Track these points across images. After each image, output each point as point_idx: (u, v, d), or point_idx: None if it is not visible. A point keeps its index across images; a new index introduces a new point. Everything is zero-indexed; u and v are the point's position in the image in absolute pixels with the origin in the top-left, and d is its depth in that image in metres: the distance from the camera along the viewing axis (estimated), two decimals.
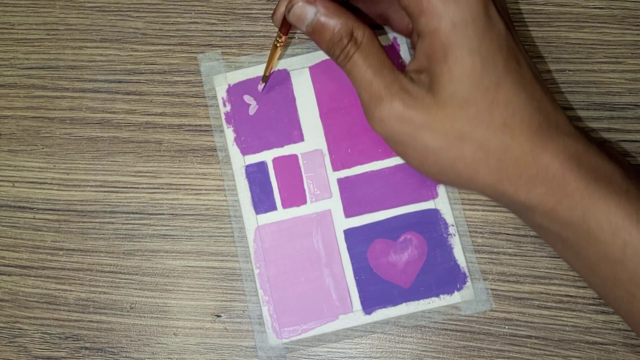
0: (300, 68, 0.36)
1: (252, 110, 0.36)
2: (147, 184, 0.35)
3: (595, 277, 0.29)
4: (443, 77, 0.28)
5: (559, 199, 0.27)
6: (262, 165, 0.35)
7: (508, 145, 0.27)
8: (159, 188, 0.35)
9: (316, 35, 0.29)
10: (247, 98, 0.36)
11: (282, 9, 0.30)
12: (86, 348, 0.34)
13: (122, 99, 0.36)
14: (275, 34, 0.36)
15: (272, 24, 0.36)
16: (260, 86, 0.35)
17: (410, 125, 0.28)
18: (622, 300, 0.28)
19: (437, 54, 0.27)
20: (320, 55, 0.36)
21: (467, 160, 0.28)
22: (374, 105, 0.29)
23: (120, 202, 0.35)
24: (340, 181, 0.35)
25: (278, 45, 0.32)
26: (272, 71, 0.35)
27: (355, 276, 0.34)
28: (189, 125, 0.36)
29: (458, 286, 0.34)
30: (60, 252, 0.35)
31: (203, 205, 0.35)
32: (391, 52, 0.36)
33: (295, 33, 0.36)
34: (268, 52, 0.36)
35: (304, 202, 0.35)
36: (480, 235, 0.34)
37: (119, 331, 0.34)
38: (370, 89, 0.29)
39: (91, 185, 0.35)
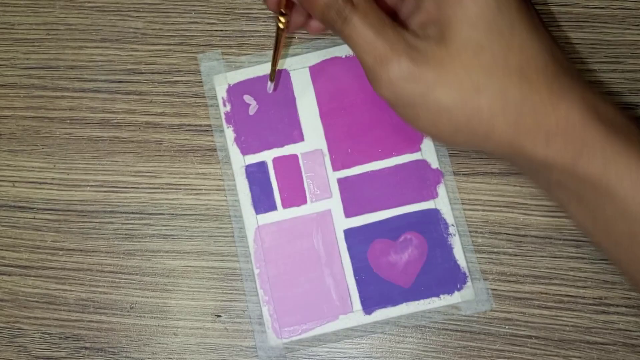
0: (300, 68, 0.36)
1: (252, 110, 0.36)
2: (147, 184, 0.35)
3: (610, 237, 0.27)
4: (456, 21, 0.26)
5: (579, 150, 0.26)
6: (262, 165, 0.35)
7: (526, 94, 0.26)
8: (159, 188, 0.35)
9: (308, 3, 0.27)
10: (247, 98, 0.36)
11: None
12: (86, 348, 0.34)
13: (122, 99, 0.36)
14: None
15: (273, 24, 0.36)
16: (269, 86, 0.34)
17: (422, 83, 0.26)
18: (637, 260, 0.27)
19: None
20: (320, 55, 0.36)
21: (483, 114, 0.26)
22: (380, 68, 0.27)
23: (120, 202, 0.35)
24: (340, 181, 0.35)
25: (281, 25, 0.29)
26: (278, 69, 0.33)
27: (355, 276, 0.34)
28: (189, 125, 0.36)
29: (458, 286, 0.34)
30: (61, 252, 0.35)
31: (203, 205, 0.35)
32: None
33: (295, 33, 0.36)
34: (269, 52, 0.36)
35: (304, 202, 0.35)
36: (481, 235, 0.34)
37: (119, 331, 0.34)
38: (374, 50, 0.27)
39: (91, 185, 0.35)
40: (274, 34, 0.31)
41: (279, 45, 0.31)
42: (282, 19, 0.29)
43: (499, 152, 0.28)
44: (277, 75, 0.33)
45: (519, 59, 0.26)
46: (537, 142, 0.26)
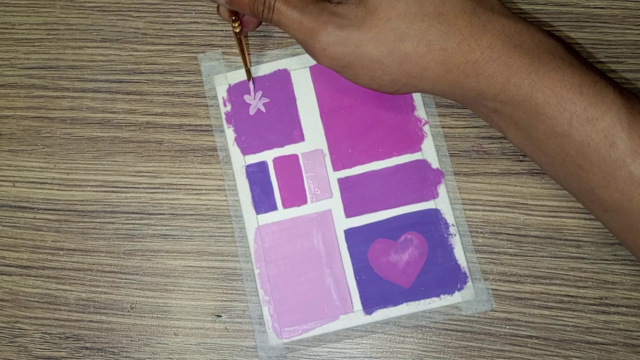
0: (301, 68, 0.36)
1: (252, 110, 0.36)
2: (147, 184, 0.35)
3: (546, 155, 0.29)
4: None
5: (506, 78, 0.28)
6: (262, 165, 0.35)
7: (447, 33, 0.28)
8: (159, 188, 0.35)
9: (236, 4, 0.31)
10: (248, 98, 0.36)
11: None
12: (86, 348, 0.34)
13: (122, 99, 0.36)
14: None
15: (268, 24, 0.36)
16: (251, 87, 0.35)
17: (351, 43, 0.29)
18: (572, 176, 0.29)
19: None
20: None
21: (412, 58, 0.29)
22: (311, 40, 0.30)
23: (120, 202, 0.35)
24: (341, 181, 0.35)
25: (236, 29, 0.32)
26: (250, 65, 0.35)
27: (355, 276, 0.34)
28: (190, 125, 0.36)
29: (459, 286, 0.34)
30: (61, 252, 0.35)
31: (203, 205, 0.35)
32: None
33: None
34: (269, 52, 0.36)
35: (305, 202, 0.35)
36: (481, 235, 0.34)
37: (119, 331, 0.34)
38: (302, 27, 0.30)
39: (92, 185, 0.35)
40: (235, 41, 0.34)
41: (242, 47, 0.33)
42: (235, 24, 0.32)
43: (439, 89, 0.30)
44: (252, 76, 0.35)
45: (434, 4, 0.29)
46: (468, 75, 0.29)
